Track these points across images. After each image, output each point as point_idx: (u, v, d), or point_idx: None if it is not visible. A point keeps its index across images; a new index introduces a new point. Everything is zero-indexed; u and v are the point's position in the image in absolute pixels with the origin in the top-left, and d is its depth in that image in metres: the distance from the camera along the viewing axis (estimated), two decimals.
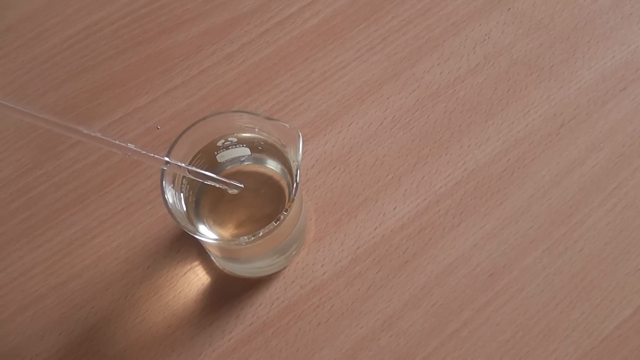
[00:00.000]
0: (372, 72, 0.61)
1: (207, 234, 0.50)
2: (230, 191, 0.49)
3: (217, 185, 0.48)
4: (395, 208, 0.56)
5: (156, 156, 0.44)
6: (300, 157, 0.46)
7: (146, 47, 0.64)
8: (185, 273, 0.54)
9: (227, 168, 0.52)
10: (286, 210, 0.45)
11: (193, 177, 0.47)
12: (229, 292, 0.54)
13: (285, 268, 0.54)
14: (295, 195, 0.45)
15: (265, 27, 0.64)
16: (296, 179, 0.45)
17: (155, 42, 0.64)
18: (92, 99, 0.61)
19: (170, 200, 0.46)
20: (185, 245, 0.55)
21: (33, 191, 0.58)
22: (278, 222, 0.45)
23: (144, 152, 0.43)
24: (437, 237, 0.55)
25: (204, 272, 0.55)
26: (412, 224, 0.55)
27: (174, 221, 0.45)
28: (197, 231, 0.46)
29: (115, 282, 0.54)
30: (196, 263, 0.55)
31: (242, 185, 0.49)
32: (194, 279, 0.54)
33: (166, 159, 0.44)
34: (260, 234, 0.45)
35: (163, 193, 0.45)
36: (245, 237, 0.45)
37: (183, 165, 0.46)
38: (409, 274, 0.54)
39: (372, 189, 0.57)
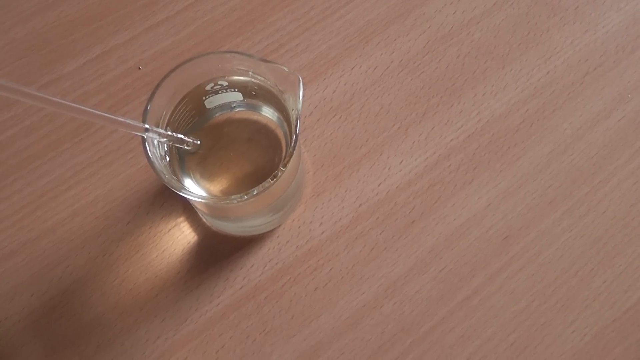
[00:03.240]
0: (378, 10, 0.55)
1: (193, 190, 0.44)
2: (188, 148, 0.44)
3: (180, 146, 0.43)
4: (401, 162, 0.51)
5: (134, 123, 0.39)
6: (300, 105, 0.41)
7: None
8: (170, 230, 0.50)
9: (216, 115, 0.47)
10: (284, 166, 0.40)
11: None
12: (217, 252, 0.49)
13: (279, 226, 0.50)
14: (294, 148, 0.40)
15: None
16: (295, 130, 0.40)
17: None
18: (66, 35, 0.55)
19: (151, 156, 0.40)
20: (169, 200, 0.50)
21: (0, 136, 0.52)
22: (274, 179, 0.40)
23: (119, 118, 0.38)
24: (447, 195, 0.50)
25: (190, 230, 0.50)
26: (420, 180, 0.50)
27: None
28: (182, 188, 0.41)
29: (92, 239, 0.50)
30: (181, 219, 0.50)
31: (198, 142, 0.44)
32: (179, 237, 0.49)
33: (146, 125, 0.39)
34: (255, 192, 0.40)
35: (146, 154, 0.40)
36: (237, 196, 0.40)
37: (162, 131, 0.41)
38: (416, 236, 0.49)
39: (376, 140, 0.52)
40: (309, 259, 0.49)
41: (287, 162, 0.40)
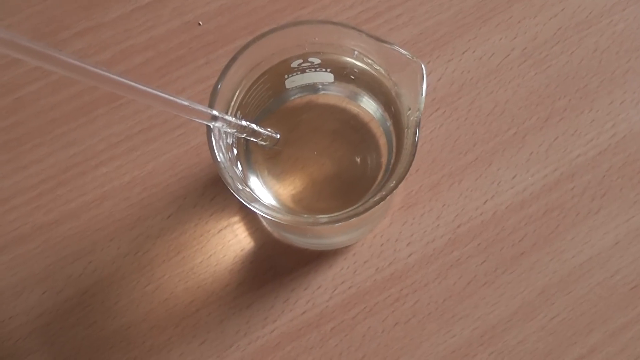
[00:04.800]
0: None
1: (260, 193, 0.35)
2: (264, 143, 0.34)
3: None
4: (514, 177, 0.41)
5: (198, 108, 0.29)
6: (422, 105, 0.31)
7: None
8: (220, 231, 0.40)
9: (295, 96, 0.37)
10: (395, 187, 0.30)
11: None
12: (277, 266, 0.40)
13: (357, 241, 0.40)
14: (410, 164, 0.30)
15: None
16: (415, 137, 0.30)
17: None
18: None
19: (217, 151, 0.31)
20: (223, 192, 0.41)
21: (21, 90, 0.43)
22: (380, 201, 0.30)
23: (177, 100, 0.28)
24: (566, 224, 0.40)
25: (245, 233, 0.40)
26: (536, 202, 0.41)
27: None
28: (255, 199, 0.31)
29: (124, 231, 0.41)
30: (236, 219, 0.40)
31: (277, 136, 0.35)
32: (231, 241, 0.40)
33: (214, 112, 0.29)
34: (345, 216, 0.30)
35: (212, 150, 0.30)
36: (324, 217, 0.31)
37: (235, 120, 0.31)
38: (524, 272, 0.40)
39: (486, 147, 0.42)
40: (391, 286, 0.39)
41: (399, 181, 0.30)
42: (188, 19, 0.44)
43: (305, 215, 0.34)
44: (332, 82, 0.36)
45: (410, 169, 0.36)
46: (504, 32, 0.44)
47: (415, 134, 0.30)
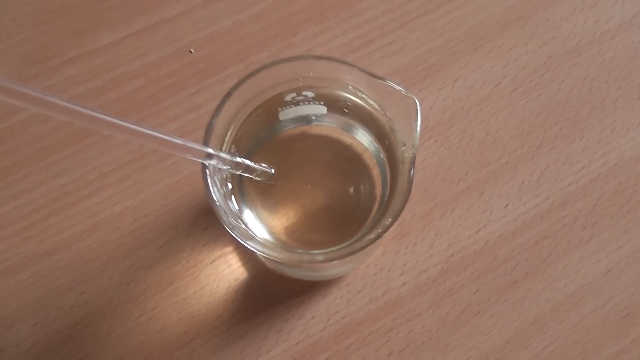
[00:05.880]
0: (493, 9, 0.45)
1: (254, 227, 0.35)
2: (258, 179, 0.34)
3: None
4: (506, 205, 0.41)
5: (192, 146, 0.29)
6: (417, 141, 0.31)
7: None
8: (213, 261, 0.40)
9: (288, 127, 0.37)
10: (391, 225, 0.30)
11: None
12: (271, 296, 0.40)
13: (351, 272, 0.40)
14: (405, 201, 0.30)
15: None
16: (411, 174, 0.30)
17: None
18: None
19: (211, 188, 0.31)
20: (215, 222, 0.41)
21: (12, 118, 0.42)
22: (376, 238, 0.30)
23: (178, 141, 0.28)
24: (558, 253, 0.41)
25: (239, 264, 0.40)
26: (528, 231, 0.41)
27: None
28: (252, 237, 0.31)
29: (116, 261, 0.40)
30: (229, 249, 0.40)
31: (271, 171, 0.35)
32: (225, 272, 0.40)
33: (209, 150, 0.29)
34: (341, 254, 0.30)
35: (207, 187, 0.30)
36: (320, 253, 0.31)
37: (229, 157, 0.31)
38: (517, 301, 0.40)
39: (478, 175, 0.42)
40: (384, 315, 0.39)
41: (395, 218, 0.30)
42: (179, 47, 0.44)
43: (300, 251, 0.34)
44: (326, 114, 0.36)
45: None
46: (495, 60, 0.44)
47: (411, 171, 0.30)
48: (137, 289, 0.40)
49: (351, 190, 0.37)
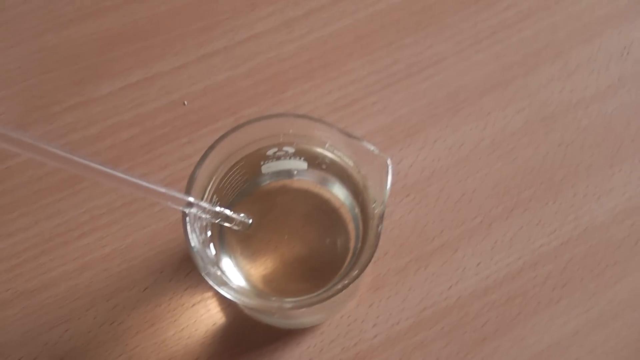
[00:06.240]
0: (473, 75, 0.47)
1: (231, 274, 0.36)
2: (236, 228, 0.36)
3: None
4: (479, 264, 0.43)
5: (174, 195, 0.31)
6: (386, 198, 0.33)
7: None
8: (193, 305, 0.41)
9: (271, 180, 0.39)
10: (357, 277, 0.32)
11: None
12: (247, 341, 0.41)
13: (325, 321, 0.41)
14: (372, 255, 0.32)
15: None
16: (378, 228, 0.32)
17: None
18: (104, 51, 0.47)
19: (190, 234, 0.32)
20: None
21: (11, 160, 0.44)
22: (342, 289, 0.32)
23: (161, 189, 0.30)
24: (528, 312, 0.42)
25: (218, 309, 0.41)
26: (499, 290, 0.42)
27: None
28: (225, 283, 0.32)
29: (101, 301, 0.42)
30: (209, 295, 0.42)
31: (249, 221, 0.36)
32: (204, 316, 0.41)
33: (190, 199, 0.31)
34: (309, 302, 0.32)
35: (186, 234, 0.32)
36: (289, 301, 0.33)
37: (209, 207, 0.33)
38: (486, 357, 0.41)
39: (453, 233, 0.43)
40: None
41: (362, 270, 0.32)
42: (174, 98, 0.46)
43: (273, 299, 0.36)
44: (306, 169, 0.38)
45: (379, 252, 0.38)
46: (474, 123, 0.46)
47: (379, 226, 0.32)
48: (119, 329, 0.41)
49: (327, 242, 0.38)
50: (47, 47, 0.46)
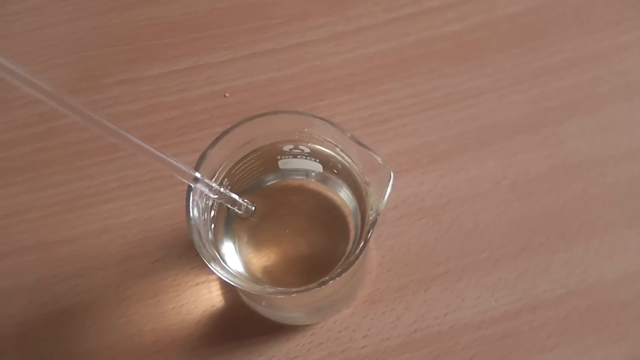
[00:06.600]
0: (507, 114, 0.48)
1: (231, 258, 0.38)
2: (239, 212, 0.37)
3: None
4: (479, 297, 0.43)
5: (183, 168, 0.32)
6: (382, 207, 0.34)
7: None
8: (197, 285, 0.43)
9: (289, 178, 0.40)
10: (339, 275, 0.33)
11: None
12: (240, 328, 0.42)
13: (318, 323, 0.42)
14: (358, 257, 0.33)
15: (394, 15, 0.51)
16: (367, 234, 0.33)
17: None
18: (161, 36, 0.50)
19: (191, 205, 0.34)
20: None
21: (56, 121, 0.47)
22: (322, 285, 0.33)
23: (165, 157, 0.31)
24: (519, 353, 0.42)
25: (219, 292, 0.43)
26: (494, 326, 0.42)
27: None
28: (212, 259, 0.34)
29: (112, 265, 0.44)
30: (213, 277, 0.43)
31: (252, 207, 0.38)
32: (205, 296, 0.43)
33: (197, 174, 0.33)
34: (293, 294, 0.33)
35: (187, 205, 0.33)
36: (280, 290, 0.34)
37: (214, 185, 0.34)
38: None
39: (458, 263, 0.44)
40: None
41: (343, 270, 0.33)
42: (217, 89, 0.48)
43: (268, 287, 0.37)
44: (322, 172, 0.40)
45: (383, 268, 0.39)
46: (500, 160, 0.46)
47: (369, 232, 0.33)
48: (123, 294, 0.43)
49: (331, 245, 0.40)
50: (109, 24, 0.50)
